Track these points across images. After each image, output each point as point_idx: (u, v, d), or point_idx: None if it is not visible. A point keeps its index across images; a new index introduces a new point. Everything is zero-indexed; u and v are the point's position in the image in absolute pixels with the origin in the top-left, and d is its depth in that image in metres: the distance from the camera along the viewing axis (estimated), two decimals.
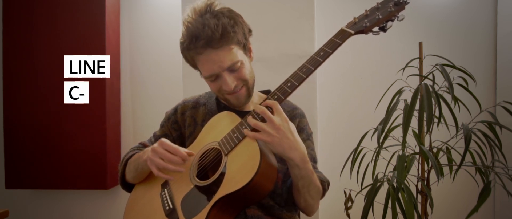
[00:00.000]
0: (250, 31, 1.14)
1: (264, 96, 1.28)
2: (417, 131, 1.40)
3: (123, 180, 1.23)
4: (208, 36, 1.00)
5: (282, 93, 0.98)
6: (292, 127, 0.95)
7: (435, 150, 1.50)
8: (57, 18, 2.29)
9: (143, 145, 1.27)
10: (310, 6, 1.91)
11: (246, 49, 1.12)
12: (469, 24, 2.20)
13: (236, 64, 1.05)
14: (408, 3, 0.98)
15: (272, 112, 0.94)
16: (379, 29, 1.00)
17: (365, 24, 0.98)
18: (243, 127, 0.99)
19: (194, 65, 1.13)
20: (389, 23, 0.99)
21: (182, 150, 1.02)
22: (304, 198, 1.05)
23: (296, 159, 0.95)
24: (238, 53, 1.06)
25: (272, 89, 1.03)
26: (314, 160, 1.20)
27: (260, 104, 0.97)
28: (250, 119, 0.95)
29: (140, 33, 2.48)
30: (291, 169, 1.00)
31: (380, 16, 0.98)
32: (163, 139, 1.03)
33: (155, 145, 1.03)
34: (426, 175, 1.48)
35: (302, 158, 0.96)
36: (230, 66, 1.04)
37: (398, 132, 1.45)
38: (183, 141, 1.25)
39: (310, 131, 1.24)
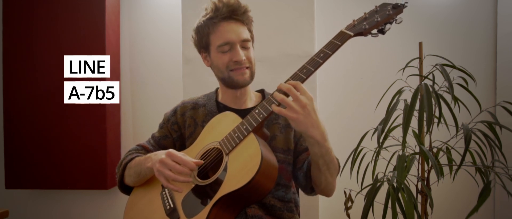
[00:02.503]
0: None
1: (260, 94, 1.29)
2: (417, 131, 1.40)
3: (122, 183, 1.23)
4: (234, 7, 1.16)
5: (282, 93, 0.99)
6: (316, 106, 0.96)
7: (435, 150, 1.50)
8: (57, 18, 2.29)
9: (142, 147, 1.26)
10: (310, 7, 1.91)
11: (253, 41, 1.24)
12: (469, 24, 2.20)
13: (248, 42, 1.18)
14: (406, 6, 0.99)
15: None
16: (377, 31, 1.01)
17: (364, 27, 0.99)
18: (244, 127, 1.00)
19: (205, 41, 1.19)
20: (388, 25, 1.00)
21: (191, 160, 1.01)
22: (325, 176, 1.06)
23: (317, 136, 0.96)
24: (250, 37, 1.20)
25: (270, 89, 1.04)
26: None
27: (285, 82, 0.96)
28: (277, 94, 0.95)
29: (140, 33, 2.48)
30: (311, 148, 1.01)
31: (379, 19, 0.99)
32: (172, 151, 1.03)
33: (163, 156, 1.02)
34: (426, 175, 1.48)
35: (322, 136, 0.97)
36: (244, 39, 1.17)
37: (398, 132, 1.45)
38: (183, 142, 1.25)
39: None
